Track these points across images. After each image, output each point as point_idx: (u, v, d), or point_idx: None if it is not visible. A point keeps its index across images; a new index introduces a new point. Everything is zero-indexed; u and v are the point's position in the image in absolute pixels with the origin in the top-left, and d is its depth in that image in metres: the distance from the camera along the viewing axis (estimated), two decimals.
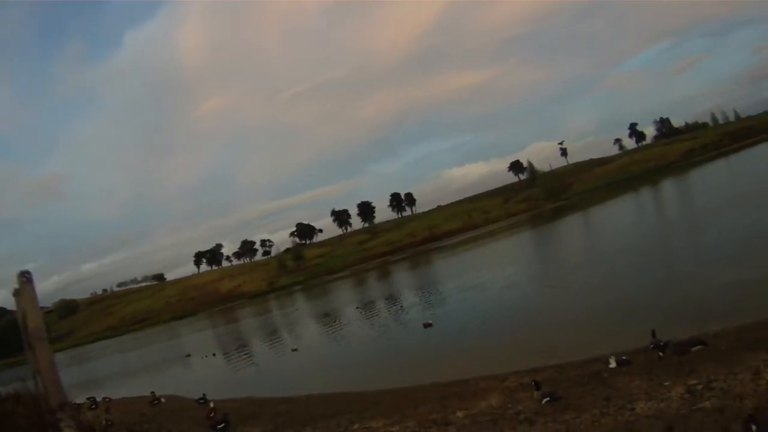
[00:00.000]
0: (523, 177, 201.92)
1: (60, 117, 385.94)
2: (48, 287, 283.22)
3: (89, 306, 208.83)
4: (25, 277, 1.70)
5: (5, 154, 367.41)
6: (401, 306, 46.51)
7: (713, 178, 79.49)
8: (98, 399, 31.41)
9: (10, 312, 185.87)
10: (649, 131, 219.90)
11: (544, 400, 13.71)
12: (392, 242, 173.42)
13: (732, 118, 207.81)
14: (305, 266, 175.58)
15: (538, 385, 14.25)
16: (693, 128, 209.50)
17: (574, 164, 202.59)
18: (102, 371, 60.03)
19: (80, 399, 25.88)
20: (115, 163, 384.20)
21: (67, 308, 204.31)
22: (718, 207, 44.38)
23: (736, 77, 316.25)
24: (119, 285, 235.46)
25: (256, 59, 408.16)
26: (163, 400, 28.78)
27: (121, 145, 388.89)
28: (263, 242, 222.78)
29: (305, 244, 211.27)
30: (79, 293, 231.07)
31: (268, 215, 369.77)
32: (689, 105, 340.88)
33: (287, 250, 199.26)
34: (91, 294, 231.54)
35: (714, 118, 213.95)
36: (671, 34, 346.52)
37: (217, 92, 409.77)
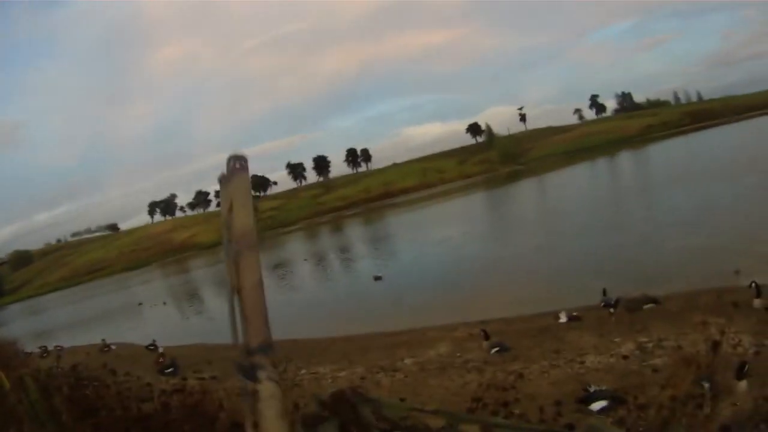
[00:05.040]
0: (480, 140, 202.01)
1: (12, 63, 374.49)
2: None
3: (43, 257, 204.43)
4: (240, 164, 1.36)
5: None
6: (352, 259, 46.42)
7: (671, 154, 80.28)
8: (50, 348, 30.81)
9: None
10: (610, 104, 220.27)
11: (493, 350, 13.62)
12: (347, 197, 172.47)
13: (694, 99, 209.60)
14: (258, 218, 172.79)
15: (486, 335, 14.16)
16: (654, 105, 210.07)
17: (532, 130, 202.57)
18: (55, 321, 58.80)
19: (32, 348, 25.36)
20: (69, 110, 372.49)
21: (21, 259, 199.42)
22: (673, 180, 44.82)
23: (702, 60, 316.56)
24: (73, 235, 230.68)
25: (216, 9, 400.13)
26: (113, 347, 28.33)
27: (75, 92, 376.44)
28: (218, 193, 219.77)
29: (260, 196, 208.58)
30: (32, 244, 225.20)
31: (224, 166, 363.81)
32: (652, 82, 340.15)
33: None
34: (45, 244, 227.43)
35: (676, 97, 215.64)
36: (641, 11, 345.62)
37: (174, 41, 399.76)
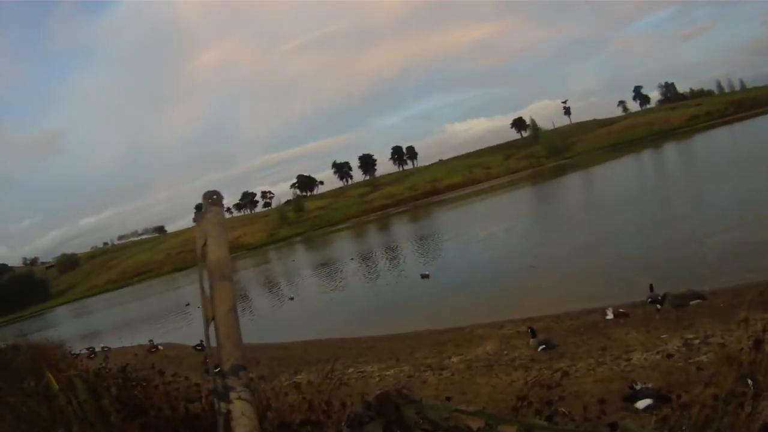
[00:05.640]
0: (525, 134, 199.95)
1: (55, 72, 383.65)
2: (46, 243, 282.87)
3: (90, 260, 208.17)
4: (212, 198, 1.49)
5: None
6: (399, 257, 46.64)
7: (715, 145, 78.70)
8: (96, 349, 31.40)
9: (11, 269, 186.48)
10: (654, 95, 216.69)
11: (540, 347, 13.76)
12: (393, 195, 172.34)
13: (737, 88, 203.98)
14: (306, 218, 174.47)
15: (533, 333, 14.32)
16: (698, 95, 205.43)
17: (577, 123, 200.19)
18: (102, 323, 60.00)
19: (79, 349, 26.01)
20: (113, 117, 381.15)
21: (68, 263, 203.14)
22: (720, 172, 44.09)
23: (742, 48, 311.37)
24: (120, 238, 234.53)
25: (255, 11, 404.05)
26: (161, 347, 28.94)
27: (117, 99, 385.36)
28: (264, 194, 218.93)
29: (306, 195, 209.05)
30: (79, 248, 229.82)
31: (269, 167, 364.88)
32: (695, 72, 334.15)
33: (288, 202, 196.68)
34: (92, 248, 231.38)
35: (719, 86, 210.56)
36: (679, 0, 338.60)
37: (215, 44, 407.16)
